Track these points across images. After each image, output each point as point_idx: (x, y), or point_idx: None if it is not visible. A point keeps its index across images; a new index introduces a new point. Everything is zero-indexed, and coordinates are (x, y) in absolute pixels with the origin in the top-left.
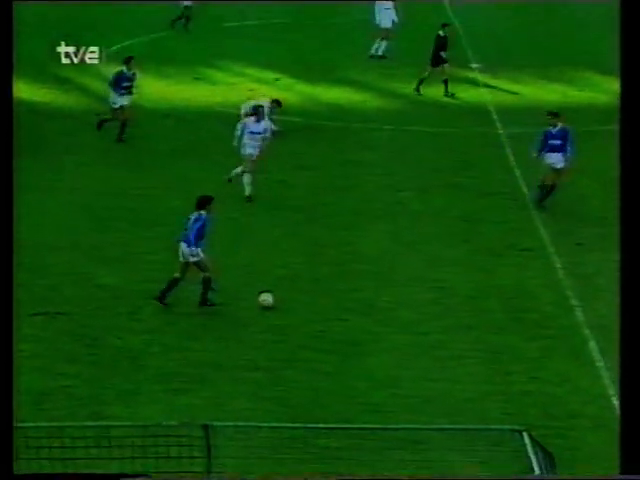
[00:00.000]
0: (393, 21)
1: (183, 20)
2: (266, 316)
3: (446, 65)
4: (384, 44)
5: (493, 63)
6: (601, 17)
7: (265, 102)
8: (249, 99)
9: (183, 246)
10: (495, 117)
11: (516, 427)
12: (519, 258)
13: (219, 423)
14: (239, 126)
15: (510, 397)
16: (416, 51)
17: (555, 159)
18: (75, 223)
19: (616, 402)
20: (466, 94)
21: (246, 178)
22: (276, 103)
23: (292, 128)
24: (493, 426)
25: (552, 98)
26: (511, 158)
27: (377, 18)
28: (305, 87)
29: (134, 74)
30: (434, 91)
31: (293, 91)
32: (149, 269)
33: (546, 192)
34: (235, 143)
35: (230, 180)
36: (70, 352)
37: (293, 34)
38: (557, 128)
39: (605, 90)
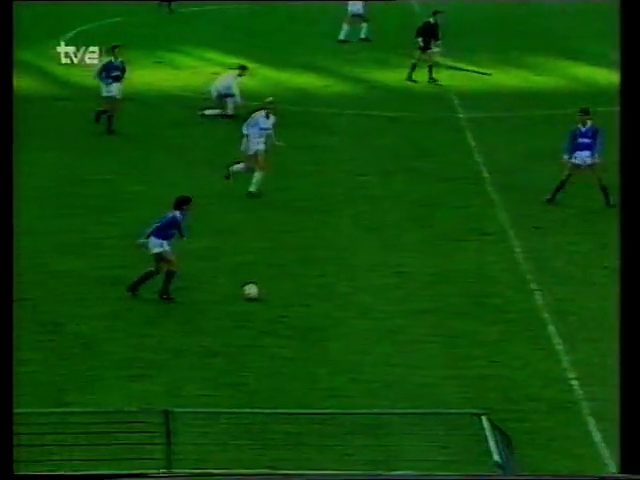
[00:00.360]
0: (364, 6)
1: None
2: (226, 302)
3: (429, 51)
4: (364, 27)
5: (453, 47)
6: (562, 3)
7: (233, 75)
8: (216, 77)
9: (151, 238)
10: (455, 102)
11: (475, 411)
12: (479, 243)
13: (179, 409)
14: (250, 122)
15: (470, 381)
16: (381, 37)
17: (584, 157)
18: (34, 209)
19: (575, 384)
20: (425, 78)
21: (257, 175)
22: (242, 69)
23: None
24: (452, 410)
25: (512, 83)
26: (471, 143)
27: (349, 6)
28: (268, 72)
29: (122, 62)
30: (395, 76)
31: (256, 75)
32: (108, 255)
33: (603, 190)
34: (243, 147)
35: (228, 177)
36: (29, 339)
37: (256, 18)
38: (587, 126)
39: (564, 75)
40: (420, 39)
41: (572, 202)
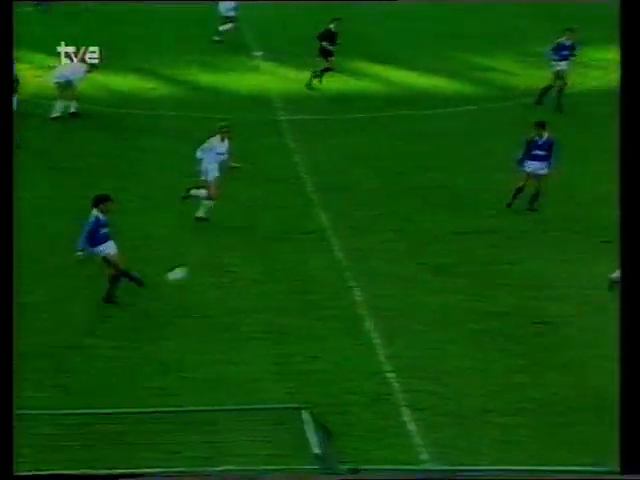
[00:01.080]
0: (234, 8)
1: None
2: (49, 302)
3: (331, 58)
4: (230, 26)
5: (276, 51)
6: (380, 7)
7: (82, 68)
8: (57, 67)
9: (85, 247)
10: (277, 105)
11: (297, 405)
12: (301, 242)
13: None
14: (206, 146)
15: (293, 377)
16: (208, 40)
17: (537, 167)
18: None
19: (391, 377)
20: (248, 82)
21: (209, 202)
22: (91, 67)
23: (76, 114)
24: (276, 405)
25: (332, 86)
26: (292, 144)
27: (221, 7)
28: (94, 74)
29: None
30: (217, 78)
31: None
32: None
33: (532, 199)
34: (199, 168)
35: (186, 197)
36: None
37: (83, 18)
38: (544, 139)
39: (380, 79)
40: (331, 45)
41: (389, 202)
